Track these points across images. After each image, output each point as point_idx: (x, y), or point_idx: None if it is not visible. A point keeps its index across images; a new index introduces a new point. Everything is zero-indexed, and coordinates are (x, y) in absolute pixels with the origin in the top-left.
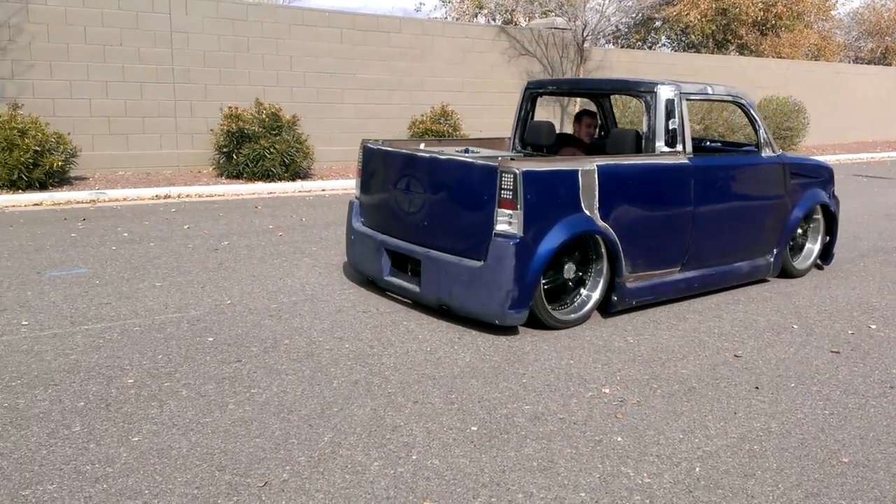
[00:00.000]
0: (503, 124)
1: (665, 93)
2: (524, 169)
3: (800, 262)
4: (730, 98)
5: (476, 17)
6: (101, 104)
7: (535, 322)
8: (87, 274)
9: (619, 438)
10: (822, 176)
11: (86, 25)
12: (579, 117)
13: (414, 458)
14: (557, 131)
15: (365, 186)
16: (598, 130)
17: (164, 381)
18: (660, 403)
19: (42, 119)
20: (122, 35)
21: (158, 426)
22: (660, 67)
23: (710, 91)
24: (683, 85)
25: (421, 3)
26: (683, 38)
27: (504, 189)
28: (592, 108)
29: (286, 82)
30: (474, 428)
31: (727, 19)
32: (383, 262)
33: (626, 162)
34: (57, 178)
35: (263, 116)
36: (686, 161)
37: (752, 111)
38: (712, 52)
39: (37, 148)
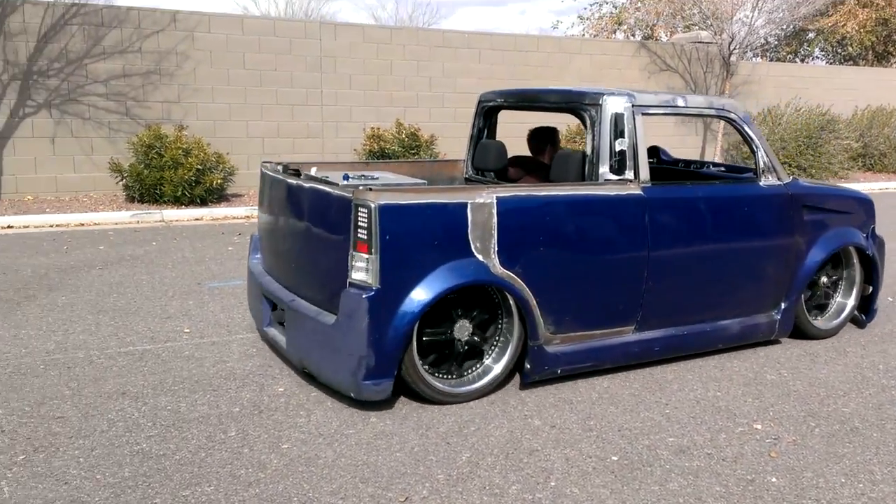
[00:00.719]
0: None
1: (612, 105)
2: (382, 202)
3: (825, 320)
4: (712, 111)
5: (615, 33)
6: (256, 126)
7: (416, 394)
8: (242, 286)
9: (774, 479)
10: (853, 210)
11: (244, 52)
12: (533, 135)
13: (553, 484)
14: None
15: (260, 216)
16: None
17: (311, 391)
18: (818, 444)
19: (204, 140)
20: (277, 61)
21: (306, 435)
22: (814, 81)
23: (680, 102)
24: (640, 95)
25: (558, 21)
26: (840, 51)
27: (360, 227)
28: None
29: (425, 103)
30: (615, 458)
31: (888, 30)
32: (263, 309)
33: (541, 193)
34: (216, 195)
35: (403, 136)
36: (638, 192)
37: (746, 128)
38: (871, 65)
39: (199, 167)
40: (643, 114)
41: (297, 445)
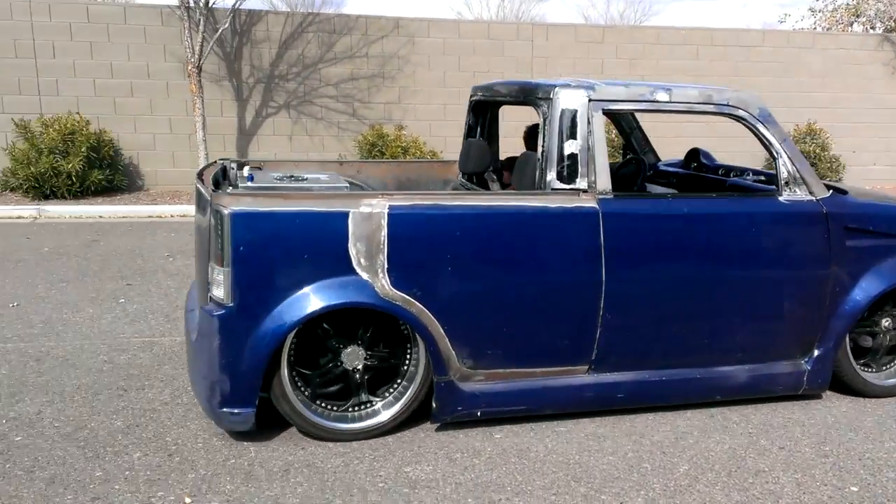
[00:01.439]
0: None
1: (564, 100)
2: (236, 209)
3: (885, 374)
4: (711, 107)
5: (851, 25)
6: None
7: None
8: None
9: None
10: None
11: (459, 55)
12: (528, 134)
13: None
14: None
15: None
16: None
17: None
18: None
19: (420, 139)
20: (489, 63)
21: (518, 427)
22: None
23: (661, 96)
24: (604, 87)
25: (786, 15)
26: None
27: (216, 236)
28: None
29: None
30: (854, 488)
31: None
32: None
33: (451, 203)
34: None
35: (612, 136)
36: (590, 204)
37: (761, 128)
38: None
39: None
40: (606, 110)
41: (510, 436)
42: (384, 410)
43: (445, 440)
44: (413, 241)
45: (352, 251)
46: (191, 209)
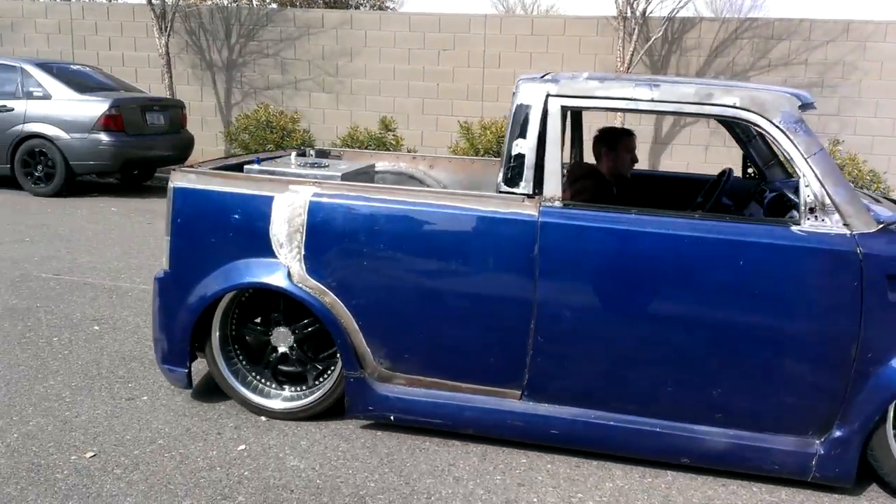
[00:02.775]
0: None
1: (522, 94)
2: (179, 184)
3: None
4: (712, 109)
5: None
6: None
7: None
8: None
9: None
10: None
11: None
12: (595, 138)
13: None
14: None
15: None
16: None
17: None
18: None
19: (859, 157)
20: None
21: None
22: None
23: (643, 94)
24: (569, 82)
25: None
26: None
27: (167, 207)
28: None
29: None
30: None
31: None
32: None
33: (377, 196)
34: None
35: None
36: (529, 212)
37: (781, 138)
38: None
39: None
40: (568, 107)
41: None
42: (308, 397)
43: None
44: (332, 231)
45: (272, 235)
46: None
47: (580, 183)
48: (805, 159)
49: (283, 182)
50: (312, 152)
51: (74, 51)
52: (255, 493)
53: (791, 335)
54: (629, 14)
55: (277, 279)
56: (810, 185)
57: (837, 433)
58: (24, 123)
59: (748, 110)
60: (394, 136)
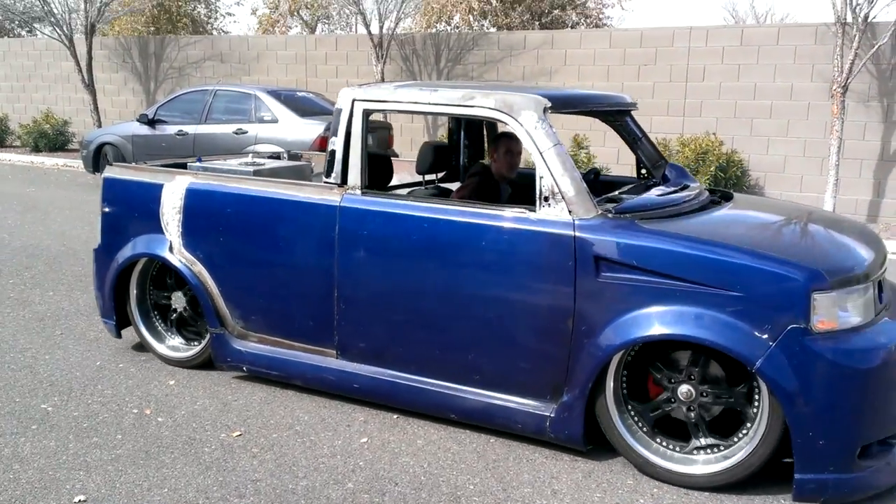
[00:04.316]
0: None
1: (340, 100)
2: (106, 175)
3: (677, 457)
4: (475, 110)
5: None
6: None
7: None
8: None
9: None
10: (723, 285)
11: None
12: (497, 141)
13: None
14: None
15: None
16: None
17: None
18: None
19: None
20: None
21: None
22: None
23: (424, 98)
24: (369, 89)
25: None
26: None
27: (101, 194)
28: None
29: None
30: None
31: None
32: None
33: (229, 185)
34: None
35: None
36: (332, 199)
37: (525, 136)
38: None
39: None
40: (368, 110)
41: None
42: (196, 349)
43: None
44: (199, 213)
45: (162, 215)
46: None
47: (468, 180)
48: (540, 154)
49: (171, 173)
50: (264, 156)
51: (308, 78)
52: (363, 481)
53: (524, 308)
54: (849, 19)
55: (164, 251)
56: (544, 177)
57: (565, 398)
58: (255, 144)
59: (499, 111)
60: (586, 153)
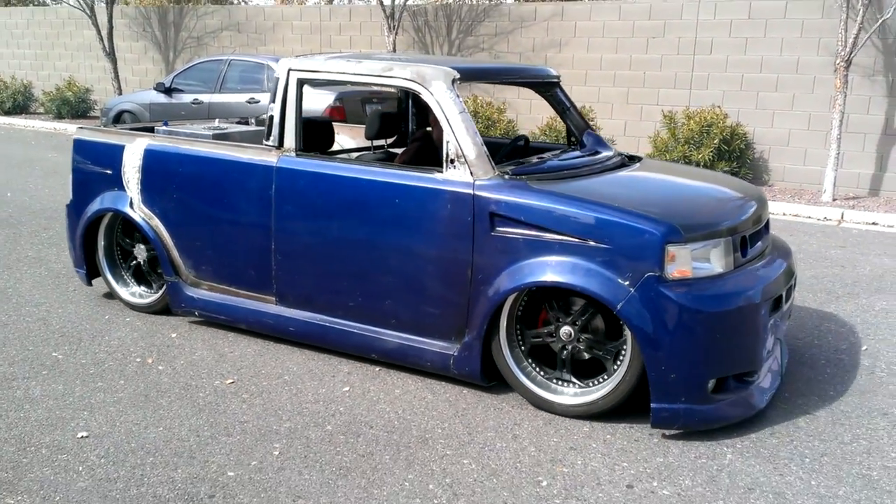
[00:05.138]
0: None
1: (278, 70)
2: (77, 136)
3: (558, 390)
4: (393, 80)
5: None
6: None
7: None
8: None
9: None
10: (592, 237)
11: None
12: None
13: None
14: None
15: None
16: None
17: None
18: None
19: None
20: None
21: None
22: None
23: (351, 69)
24: (303, 60)
25: None
26: None
27: (71, 154)
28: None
29: None
30: None
31: None
32: None
33: (181, 148)
34: None
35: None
36: (269, 160)
37: (434, 104)
38: None
39: None
40: (302, 79)
41: None
42: (154, 296)
43: None
44: (155, 172)
45: (123, 175)
46: (806, 210)
47: (410, 145)
48: (447, 120)
49: (132, 135)
50: (225, 122)
51: (322, 48)
52: (341, 424)
53: (431, 259)
54: None
55: (125, 207)
56: (450, 141)
57: (466, 339)
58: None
59: (413, 81)
60: (594, 125)
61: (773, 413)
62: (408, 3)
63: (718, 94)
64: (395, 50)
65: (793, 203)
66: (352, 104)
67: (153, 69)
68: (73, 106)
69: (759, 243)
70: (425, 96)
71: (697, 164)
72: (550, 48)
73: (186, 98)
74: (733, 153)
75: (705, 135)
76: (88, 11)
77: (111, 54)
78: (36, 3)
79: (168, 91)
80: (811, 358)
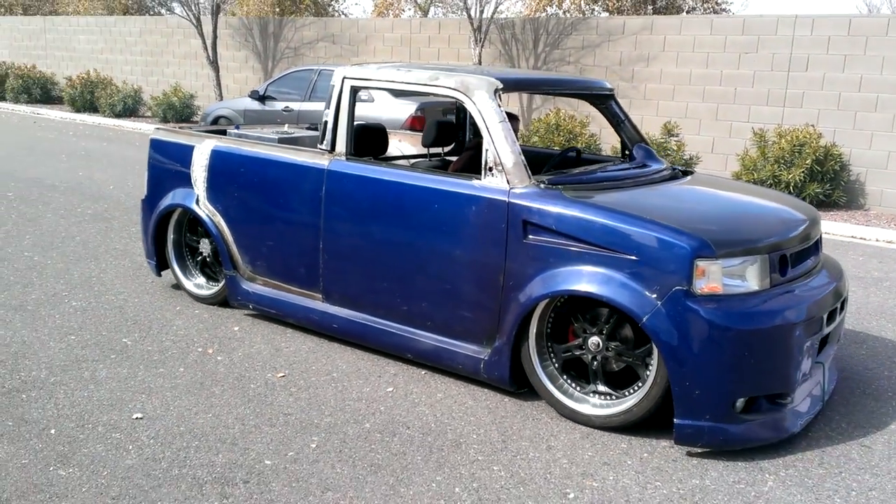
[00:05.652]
0: None
1: (333, 78)
2: (154, 137)
3: (581, 399)
4: (439, 89)
5: None
6: None
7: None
8: None
9: None
10: (622, 249)
11: None
12: None
13: None
14: None
15: None
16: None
17: None
18: None
19: None
20: None
21: None
22: None
23: (401, 77)
24: (356, 68)
25: None
26: None
27: (148, 152)
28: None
29: None
30: None
31: None
32: None
33: (245, 149)
34: None
35: None
36: (321, 162)
37: (476, 113)
38: None
39: None
40: (355, 87)
41: None
42: (217, 287)
43: None
44: (220, 172)
45: (192, 173)
46: None
47: (463, 154)
48: (487, 129)
49: (201, 137)
50: (295, 127)
51: (411, 60)
52: (380, 423)
53: (466, 263)
54: None
55: (192, 203)
56: (489, 150)
57: (497, 344)
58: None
59: (458, 90)
60: (676, 141)
61: (826, 443)
62: (495, 16)
63: (813, 112)
64: (480, 62)
65: (888, 229)
66: (432, 114)
67: (253, 78)
68: (178, 111)
69: (806, 262)
70: (468, 105)
71: (787, 185)
72: (638, 62)
73: (278, 105)
74: (826, 174)
75: (797, 154)
76: (195, 21)
77: (214, 63)
78: (151, 12)
79: (262, 98)
80: (877, 389)
